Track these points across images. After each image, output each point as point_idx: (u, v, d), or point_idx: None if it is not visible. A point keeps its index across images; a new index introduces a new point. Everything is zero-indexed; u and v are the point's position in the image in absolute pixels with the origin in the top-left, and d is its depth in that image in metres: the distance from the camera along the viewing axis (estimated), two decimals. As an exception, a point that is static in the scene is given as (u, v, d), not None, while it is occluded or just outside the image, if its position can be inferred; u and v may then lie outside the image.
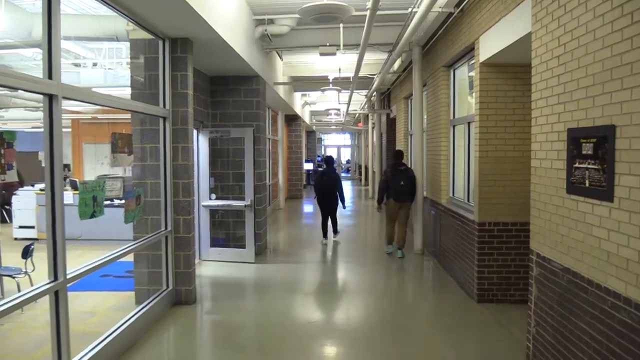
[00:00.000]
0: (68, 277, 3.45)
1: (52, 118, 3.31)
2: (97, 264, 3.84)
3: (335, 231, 9.76)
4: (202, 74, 7.83)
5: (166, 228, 5.53)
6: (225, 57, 6.76)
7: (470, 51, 6.24)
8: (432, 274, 7.29)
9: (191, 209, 5.62)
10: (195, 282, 5.82)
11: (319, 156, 29.12)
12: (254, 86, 8.23)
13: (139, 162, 5.58)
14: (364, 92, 15.30)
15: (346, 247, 9.60)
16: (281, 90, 11.54)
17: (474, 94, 6.39)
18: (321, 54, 8.42)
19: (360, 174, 28.37)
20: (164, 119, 5.47)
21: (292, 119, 18.06)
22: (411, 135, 11.42)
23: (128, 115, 5.77)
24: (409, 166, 9.34)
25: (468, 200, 6.66)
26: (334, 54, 8.39)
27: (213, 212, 8.09)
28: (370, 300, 6.11)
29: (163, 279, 5.57)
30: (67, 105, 13.68)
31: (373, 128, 18.32)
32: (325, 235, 9.61)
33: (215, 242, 8.16)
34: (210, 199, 7.91)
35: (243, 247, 7.84)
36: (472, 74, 6.42)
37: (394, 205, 8.18)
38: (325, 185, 9.29)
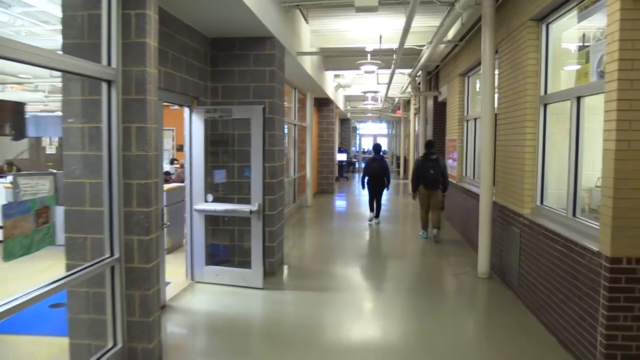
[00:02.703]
0: None
1: None
2: None
3: (377, 215, 10.58)
4: (198, 34, 5.83)
5: (112, 254, 3.57)
6: (223, 6, 4.76)
7: (590, -15, 4.03)
8: (509, 316, 5.10)
9: (152, 224, 3.63)
10: (159, 335, 3.84)
11: (368, 149, 30.63)
12: (267, 51, 6.18)
13: (73, 152, 3.63)
14: (407, 71, 13.06)
15: (390, 265, 7.50)
16: (308, 66, 9.47)
17: (594, 53, 4.19)
18: (357, 10, 6.29)
19: (398, 166, 26.04)
20: (109, 83, 3.49)
21: (324, 103, 15.92)
22: (468, 121, 9.18)
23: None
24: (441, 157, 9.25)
25: (574, 215, 4.46)
26: (375, 9, 6.25)
27: (214, 217, 6.14)
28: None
29: (108, 331, 3.62)
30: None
31: (416, 114, 16.06)
32: (372, 210, 10.64)
33: (214, 255, 6.22)
34: (206, 200, 5.93)
35: (249, 265, 5.85)
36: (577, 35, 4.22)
37: (424, 193, 8.62)
38: (375, 169, 10.33)
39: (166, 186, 7.57)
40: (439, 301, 5.66)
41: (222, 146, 6.29)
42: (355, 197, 16.40)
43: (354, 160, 28.41)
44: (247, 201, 5.85)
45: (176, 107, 6.04)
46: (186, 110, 5.85)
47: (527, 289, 5.24)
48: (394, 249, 8.65)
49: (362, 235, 9.62)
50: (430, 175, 8.46)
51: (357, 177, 24.67)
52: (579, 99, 4.39)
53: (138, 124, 3.54)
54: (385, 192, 10.67)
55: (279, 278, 6.36)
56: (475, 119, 8.67)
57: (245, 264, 5.96)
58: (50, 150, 14.22)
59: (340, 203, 14.84)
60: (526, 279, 5.26)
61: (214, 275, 5.93)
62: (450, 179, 9.94)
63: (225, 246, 6.39)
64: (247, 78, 6.20)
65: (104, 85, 3.47)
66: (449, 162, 10.36)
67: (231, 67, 6.21)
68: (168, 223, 5.09)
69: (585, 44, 4.41)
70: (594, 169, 4.82)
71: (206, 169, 5.95)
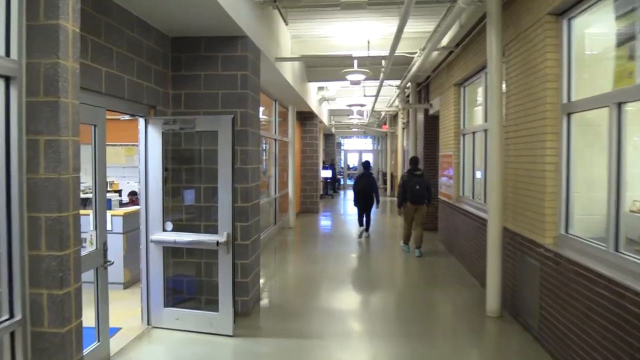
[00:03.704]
0: None
1: None
2: None
3: (367, 229, 10.85)
4: (156, 32, 4.91)
5: (12, 315, 2.58)
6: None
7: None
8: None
9: (69, 273, 2.66)
10: None
11: (354, 165, 31.25)
12: (238, 53, 5.28)
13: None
14: (395, 83, 12.24)
15: (383, 300, 6.56)
16: (289, 75, 8.59)
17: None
18: (343, 6, 5.45)
19: (384, 182, 25.20)
20: (7, 80, 2.54)
21: (307, 117, 15.05)
22: (465, 135, 8.37)
23: None
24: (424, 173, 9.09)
25: (617, 249, 3.59)
26: (364, 5, 5.41)
27: (175, 248, 5.16)
28: None
29: (6, 422, 2.62)
30: None
31: (404, 129, 15.27)
32: (361, 225, 10.82)
33: (177, 291, 5.24)
34: (165, 229, 4.96)
35: (216, 307, 4.87)
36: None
37: (410, 208, 8.76)
38: (363, 185, 10.47)
39: (125, 209, 6.59)
40: (444, 346, 4.73)
41: (185, 164, 5.34)
42: (341, 216, 15.50)
43: (339, 177, 27.49)
44: (216, 229, 4.89)
45: (127, 117, 5.09)
46: (141, 121, 4.91)
47: (552, 335, 4.33)
48: (386, 279, 7.72)
49: (349, 261, 8.71)
50: (416, 191, 8.64)
51: (342, 194, 23.79)
52: (619, 105, 3.55)
53: (48, 135, 2.58)
54: (373, 208, 10.85)
55: (254, 320, 5.38)
56: (473, 133, 7.86)
57: (214, 303, 4.98)
58: None
59: (325, 223, 13.90)
60: (550, 323, 4.36)
61: (174, 320, 4.93)
62: (445, 198, 9.20)
63: (189, 282, 5.41)
64: (215, 84, 5.29)
65: (1, 83, 2.52)
66: (443, 179, 9.55)
67: (196, 71, 5.29)
68: (112, 261, 4.10)
69: (626, 38, 3.59)
70: (626, 188, 3.98)
71: (165, 191, 4.98)
